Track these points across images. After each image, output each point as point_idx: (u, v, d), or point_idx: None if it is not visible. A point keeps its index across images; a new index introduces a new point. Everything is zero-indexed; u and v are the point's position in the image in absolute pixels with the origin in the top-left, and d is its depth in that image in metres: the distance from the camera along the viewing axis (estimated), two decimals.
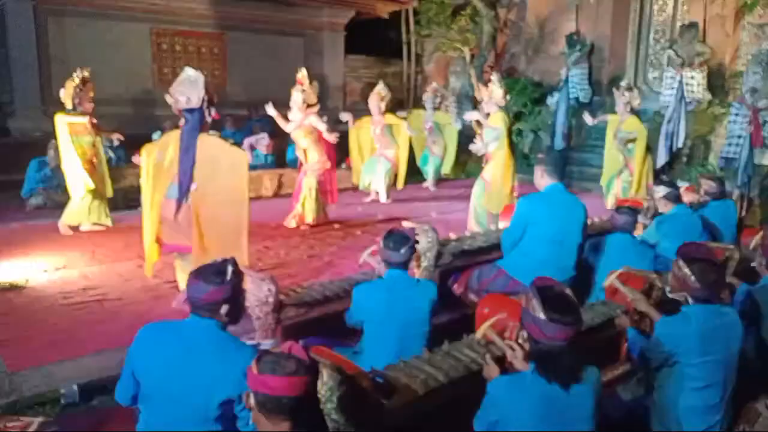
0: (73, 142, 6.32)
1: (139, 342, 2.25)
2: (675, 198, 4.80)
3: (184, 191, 4.16)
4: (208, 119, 4.25)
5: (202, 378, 2.13)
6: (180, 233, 4.26)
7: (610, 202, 7.57)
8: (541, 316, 2.02)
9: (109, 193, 6.83)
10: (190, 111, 4.15)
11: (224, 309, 2.23)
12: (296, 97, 6.71)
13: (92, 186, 6.35)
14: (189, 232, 4.23)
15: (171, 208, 4.21)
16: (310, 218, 6.83)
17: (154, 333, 2.27)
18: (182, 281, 4.47)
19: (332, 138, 6.84)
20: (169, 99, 4.24)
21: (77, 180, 6.34)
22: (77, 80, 6.40)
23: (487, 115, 6.45)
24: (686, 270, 2.65)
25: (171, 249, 4.41)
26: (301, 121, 6.69)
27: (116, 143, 7.11)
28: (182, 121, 4.29)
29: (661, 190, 4.82)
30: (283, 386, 1.73)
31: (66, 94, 6.37)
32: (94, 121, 6.57)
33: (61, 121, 6.29)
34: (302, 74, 6.85)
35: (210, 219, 4.20)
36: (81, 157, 6.34)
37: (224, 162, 4.24)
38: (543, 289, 2.09)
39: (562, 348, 2.02)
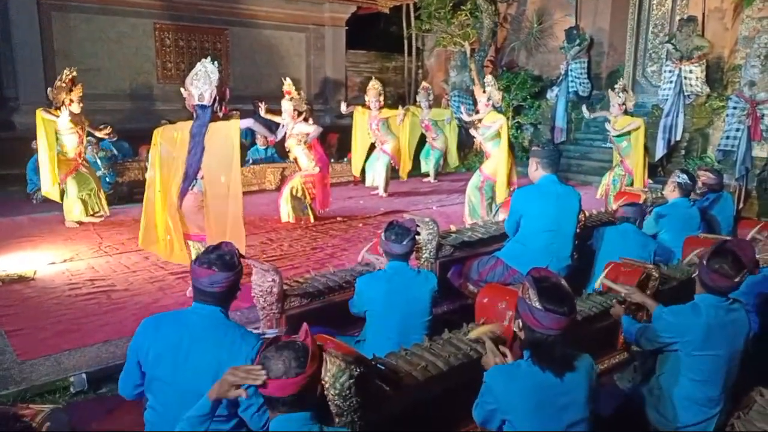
0: (58, 140, 6.46)
1: (142, 333, 2.28)
2: (685, 190, 4.83)
3: (189, 180, 4.24)
4: (219, 114, 4.31)
5: (207, 364, 2.17)
6: (191, 223, 4.36)
7: (599, 193, 7.61)
8: (537, 305, 2.05)
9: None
10: (202, 107, 4.21)
11: (228, 295, 2.31)
12: (286, 106, 6.80)
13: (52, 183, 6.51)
14: (196, 219, 4.34)
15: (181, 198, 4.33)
16: (286, 218, 6.91)
17: (157, 323, 2.30)
18: None
19: (318, 130, 6.89)
20: (183, 92, 4.29)
21: (45, 174, 6.50)
22: (66, 80, 6.42)
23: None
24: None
25: (187, 238, 4.48)
26: (291, 130, 6.78)
27: (108, 137, 7.29)
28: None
29: (680, 177, 4.83)
30: (273, 388, 1.79)
31: (54, 94, 6.43)
32: (83, 119, 6.66)
33: (43, 117, 6.38)
34: (288, 84, 6.92)
35: (217, 206, 4.28)
36: (64, 155, 6.51)
37: (224, 143, 4.26)
38: (539, 280, 2.12)
39: (556, 337, 2.04)
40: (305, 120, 6.89)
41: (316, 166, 6.89)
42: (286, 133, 6.80)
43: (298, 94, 7.00)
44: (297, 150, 6.89)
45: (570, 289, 2.18)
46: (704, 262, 2.61)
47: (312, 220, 6.97)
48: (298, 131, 6.78)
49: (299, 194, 6.92)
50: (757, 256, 3.93)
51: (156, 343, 2.23)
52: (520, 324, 2.15)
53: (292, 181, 7.00)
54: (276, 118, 6.96)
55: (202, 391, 2.15)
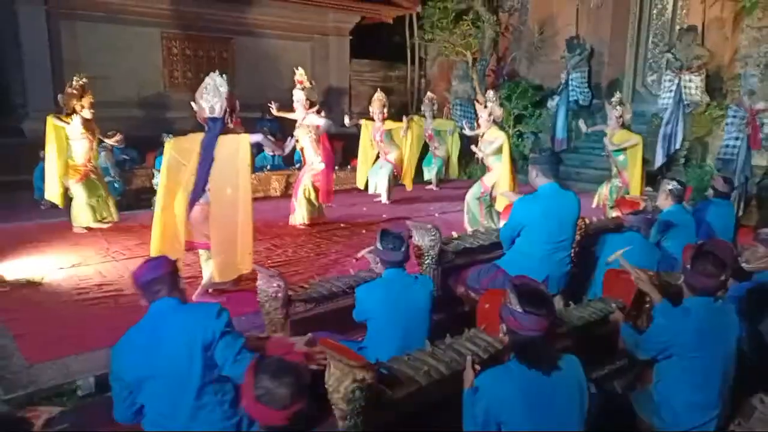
0: (68, 146, 6.50)
1: (115, 357, 2.41)
2: (678, 196, 4.87)
3: (198, 193, 4.31)
4: (230, 125, 4.42)
5: (179, 347, 2.32)
6: (198, 232, 4.44)
7: (594, 203, 7.63)
8: (518, 308, 2.18)
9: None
10: (213, 120, 4.31)
11: (172, 278, 2.51)
12: (298, 95, 6.82)
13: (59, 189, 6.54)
14: (203, 228, 4.41)
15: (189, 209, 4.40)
16: (301, 219, 6.91)
17: (123, 341, 2.43)
18: (204, 274, 4.65)
19: (329, 123, 6.92)
20: (194, 106, 4.40)
21: (51, 179, 6.55)
22: (77, 86, 6.48)
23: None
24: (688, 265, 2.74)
25: (190, 246, 4.56)
26: (302, 120, 6.79)
27: (118, 144, 7.37)
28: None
29: (670, 185, 4.88)
30: (278, 418, 1.79)
31: (65, 100, 6.49)
32: (94, 126, 6.71)
33: (54, 123, 6.43)
34: (300, 73, 6.95)
35: (222, 216, 4.34)
36: (74, 161, 6.55)
37: (232, 156, 4.35)
38: (519, 285, 2.26)
39: (538, 338, 2.17)
40: (318, 112, 6.87)
41: (322, 162, 6.87)
42: (294, 139, 6.83)
43: (310, 84, 6.99)
44: (305, 141, 6.86)
45: (548, 293, 2.33)
46: (688, 267, 2.73)
47: (323, 213, 7.02)
48: (308, 122, 6.75)
49: (311, 196, 6.92)
50: (752, 263, 4.01)
51: (130, 355, 2.36)
52: (504, 329, 2.28)
53: (303, 182, 6.95)
54: (289, 115, 6.99)
55: (182, 374, 2.31)
